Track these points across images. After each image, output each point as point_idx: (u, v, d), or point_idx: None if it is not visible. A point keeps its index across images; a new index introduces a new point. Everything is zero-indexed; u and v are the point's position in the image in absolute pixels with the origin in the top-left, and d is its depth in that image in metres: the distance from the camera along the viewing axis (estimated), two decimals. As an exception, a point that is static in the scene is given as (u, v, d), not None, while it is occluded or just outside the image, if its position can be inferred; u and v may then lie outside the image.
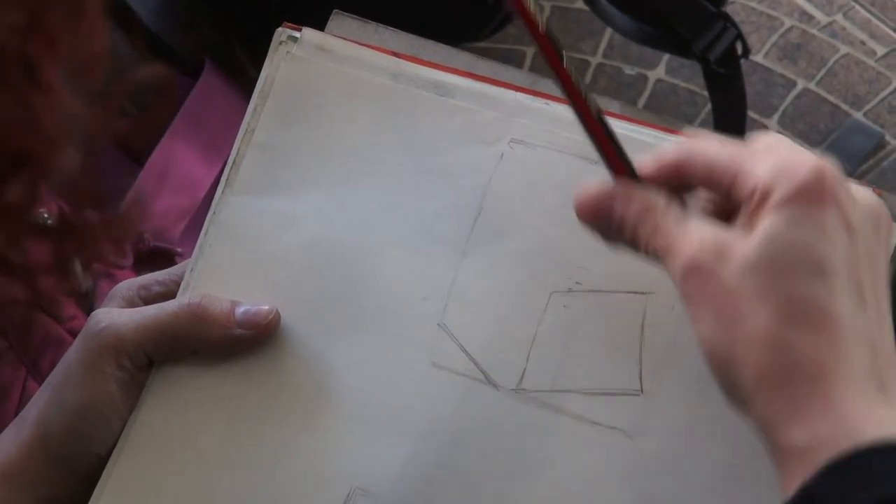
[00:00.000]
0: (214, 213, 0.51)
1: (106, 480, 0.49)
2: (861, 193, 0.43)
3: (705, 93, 1.16)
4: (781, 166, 0.40)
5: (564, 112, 0.50)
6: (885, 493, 0.36)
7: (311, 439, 0.49)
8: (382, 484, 0.48)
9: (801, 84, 1.39)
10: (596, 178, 0.49)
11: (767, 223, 0.40)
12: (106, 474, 0.49)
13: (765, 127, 1.36)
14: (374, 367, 0.49)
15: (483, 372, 0.49)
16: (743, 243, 0.40)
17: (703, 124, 1.36)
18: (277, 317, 0.49)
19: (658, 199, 0.43)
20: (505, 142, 0.51)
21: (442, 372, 0.49)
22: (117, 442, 0.49)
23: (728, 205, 0.43)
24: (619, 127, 0.50)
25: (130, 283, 0.52)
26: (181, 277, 0.51)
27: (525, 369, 0.49)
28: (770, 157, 0.41)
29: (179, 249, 0.75)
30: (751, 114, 1.35)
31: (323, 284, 0.50)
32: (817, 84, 1.40)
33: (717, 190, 0.43)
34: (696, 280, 0.41)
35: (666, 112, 1.36)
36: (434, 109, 0.51)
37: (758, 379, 0.39)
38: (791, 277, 0.39)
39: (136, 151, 0.82)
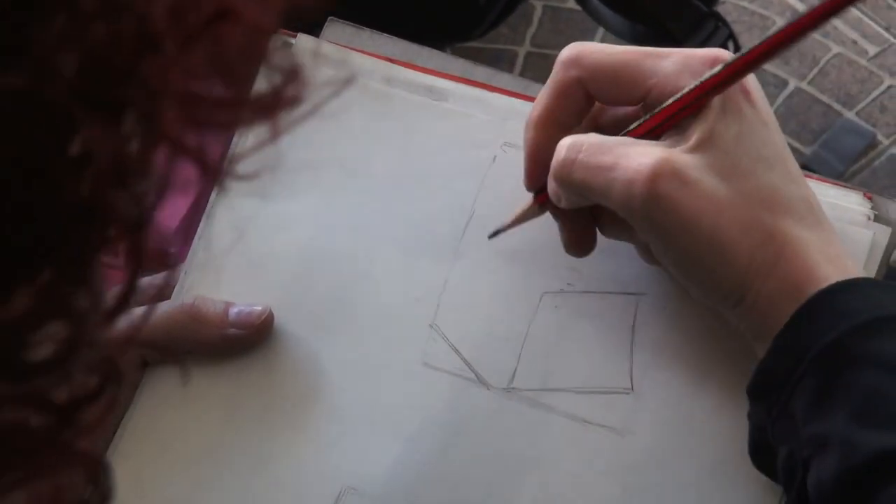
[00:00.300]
0: (208, 216, 0.52)
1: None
2: None
3: (697, 92, 1.17)
4: (684, 61, 0.43)
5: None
6: (850, 321, 0.41)
7: (303, 439, 0.49)
8: (374, 483, 0.49)
9: (792, 83, 1.40)
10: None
11: (706, 130, 0.42)
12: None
13: (757, 126, 1.37)
14: (367, 368, 0.50)
15: (474, 372, 0.50)
16: (694, 159, 0.42)
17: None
18: (271, 317, 0.50)
19: (576, 137, 0.44)
20: (497, 145, 0.51)
21: (434, 372, 0.50)
22: (111, 441, 0.50)
23: (621, 112, 0.45)
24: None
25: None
26: (175, 281, 0.51)
27: (516, 369, 0.49)
28: (670, 55, 0.44)
29: (172, 249, 0.76)
30: (743, 113, 1.36)
31: (316, 286, 0.51)
32: (809, 83, 1.41)
33: (615, 97, 0.45)
34: (663, 207, 0.42)
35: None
36: (427, 113, 0.52)
37: (749, 272, 0.42)
38: (749, 176, 0.42)
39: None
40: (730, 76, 0.42)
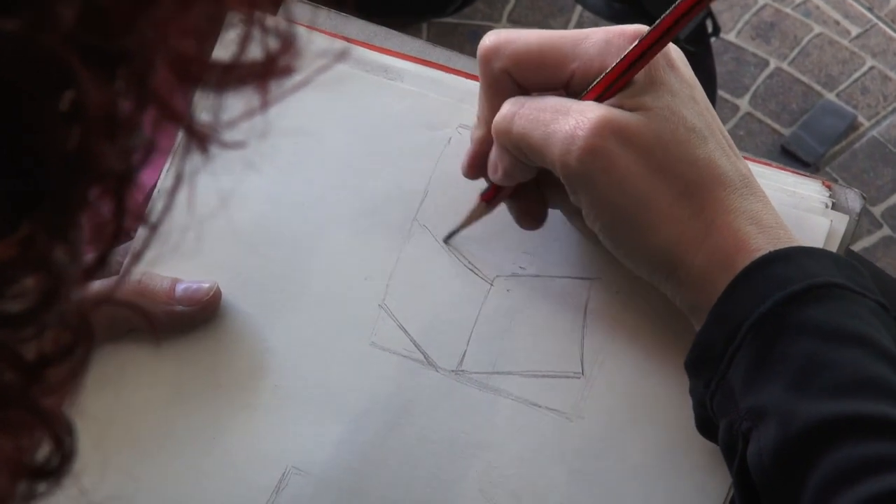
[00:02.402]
0: (159, 191, 0.52)
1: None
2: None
3: (674, 71, 1.17)
4: (606, 40, 0.45)
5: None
6: (784, 290, 0.42)
7: (249, 418, 0.50)
8: (318, 463, 0.50)
9: (773, 63, 1.41)
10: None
11: (637, 102, 0.44)
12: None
13: (736, 106, 1.38)
14: (314, 347, 0.51)
15: (423, 353, 0.51)
16: (636, 120, 0.44)
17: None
18: (218, 294, 0.51)
19: (520, 97, 0.46)
20: (453, 126, 0.53)
21: (381, 352, 0.51)
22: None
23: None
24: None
25: (70, 262, 0.53)
26: (124, 256, 0.52)
27: (465, 351, 0.51)
28: (592, 34, 0.45)
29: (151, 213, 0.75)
30: (722, 93, 1.37)
31: (265, 263, 0.52)
32: (790, 64, 1.42)
33: (540, 83, 0.46)
34: (599, 165, 0.44)
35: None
36: (382, 93, 0.53)
37: (679, 246, 0.44)
38: (683, 145, 0.44)
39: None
40: (648, 47, 0.43)
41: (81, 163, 0.24)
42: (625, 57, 0.44)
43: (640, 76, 0.44)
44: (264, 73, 0.26)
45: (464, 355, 0.51)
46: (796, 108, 1.38)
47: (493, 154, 0.47)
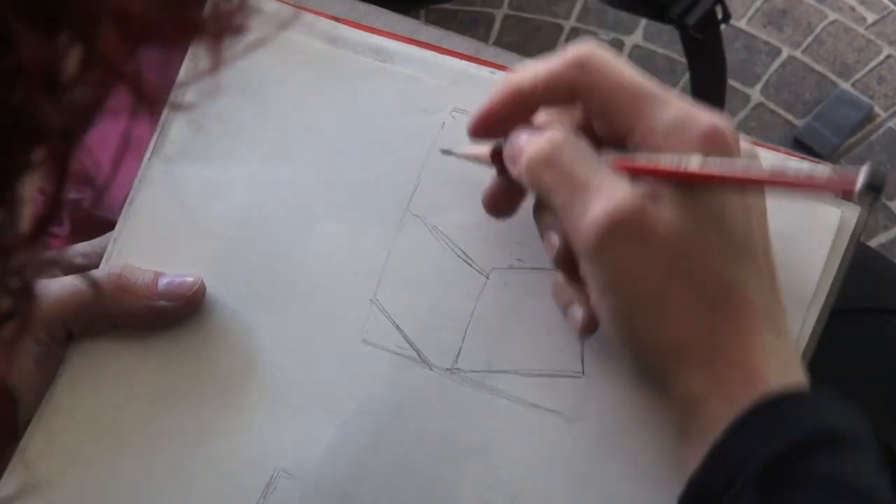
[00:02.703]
0: (140, 180, 0.52)
1: (19, 459, 0.49)
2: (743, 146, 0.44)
3: (685, 60, 1.17)
4: (681, 122, 0.41)
5: (508, 81, 0.51)
6: (794, 436, 0.39)
7: (235, 419, 0.49)
8: (308, 466, 0.49)
9: (786, 52, 1.40)
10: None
11: (685, 200, 0.41)
12: (19, 453, 0.49)
13: (747, 97, 1.37)
14: (303, 344, 0.50)
15: (416, 350, 0.50)
16: (664, 216, 0.41)
17: (681, 93, 1.37)
18: (202, 289, 0.50)
19: (567, 135, 0.43)
20: (446, 111, 0.51)
21: (373, 350, 0.50)
22: (32, 419, 0.50)
23: (605, 133, 0.44)
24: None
25: (51, 255, 0.52)
26: (105, 248, 0.52)
27: (461, 348, 0.49)
28: (670, 106, 0.42)
29: (99, 181, 0.74)
30: (732, 82, 1.36)
31: (252, 256, 0.51)
32: (804, 52, 1.41)
33: (601, 119, 0.43)
34: (616, 247, 0.41)
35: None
36: (373, 76, 0.52)
37: (679, 360, 0.42)
38: (709, 259, 0.41)
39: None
40: (711, 178, 0.40)
41: (20, 120, 0.24)
42: (680, 170, 0.41)
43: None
44: (215, 32, 0.26)
45: (459, 353, 0.50)
46: (810, 98, 1.37)
47: (517, 169, 0.45)
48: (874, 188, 0.34)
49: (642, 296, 0.42)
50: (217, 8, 0.26)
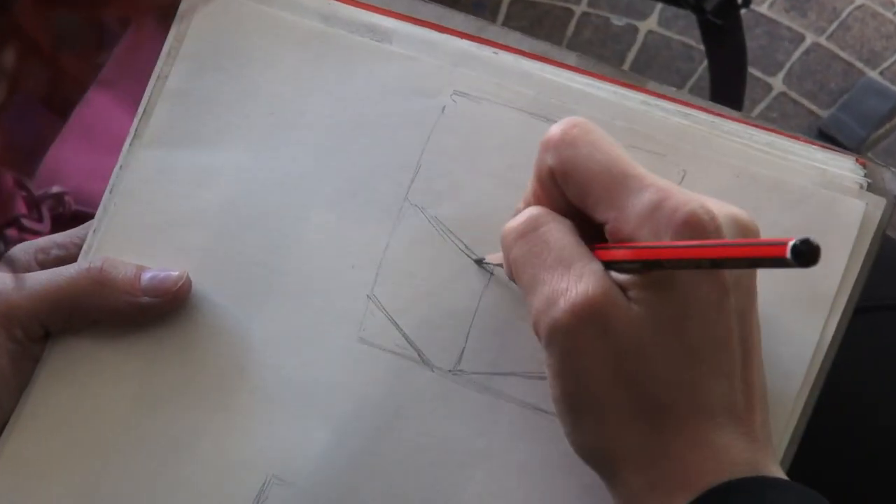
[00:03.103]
0: (121, 167, 0.51)
1: (-6, 465, 0.49)
2: (742, 220, 0.42)
3: (702, 47, 1.16)
4: (652, 213, 0.40)
5: (513, 62, 0.50)
6: None
7: (224, 422, 0.49)
8: (302, 472, 0.48)
9: (810, 38, 1.39)
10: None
11: (647, 296, 0.40)
12: (-6, 458, 0.49)
13: (768, 86, 1.36)
14: (296, 342, 0.49)
15: (417, 350, 0.49)
16: (625, 312, 0.40)
17: (699, 82, 1.36)
18: (188, 284, 0.49)
19: (546, 212, 0.43)
20: (447, 94, 0.51)
21: (371, 349, 0.49)
22: (7, 421, 0.49)
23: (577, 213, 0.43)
24: (576, 81, 0.50)
25: (27, 246, 0.51)
26: (84, 240, 0.51)
27: (464, 348, 0.49)
28: (645, 192, 0.41)
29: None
30: (753, 71, 1.35)
31: (241, 249, 0.50)
32: (828, 38, 1.40)
33: (578, 203, 0.43)
34: (571, 339, 0.41)
35: (658, 68, 1.35)
36: (369, 56, 0.51)
37: (617, 461, 0.42)
38: (660, 361, 0.41)
39: (56, 102, 0.81)
40: (681, 259, 0.39)
41: None
42: (647, 249, 0.40)
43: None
44: (139, 2, 0.25)
45: (462, 353, 0.49)
46: (835, 87, 1.36)
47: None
48: (803, 256, 0.33)
49: (586, 394, 0.42)
50: None
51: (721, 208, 0.41)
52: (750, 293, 0.43)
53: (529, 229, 0.43)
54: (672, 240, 0.40)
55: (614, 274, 0.41)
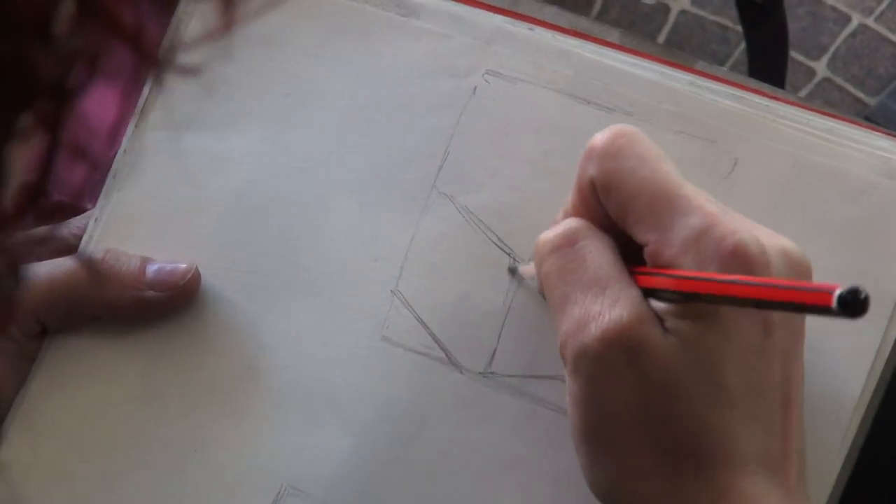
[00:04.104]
0: (125, 151, 0.51)
1: (-11, 472, 0.49)
2: (793, 256, 0.42)
3: (739, 28, 1.16)
4: (697, 239, 0.40)
5: (550, 39, 0.50)
6: None
7: (235, 427, 0.49)
8: (319, 481, 0.48)
9: (856, 19, 1.39)
10: (585, 119, 0.49)
11: (684, 330, 0.40)
12: (-10, 465, 0.49)
13: (811, 71, 1.36)
14: (313, 341, 0.49)
15: (445, 350, 0.49)
16: (659, 344, 0.40)
17: (736, 66, 1.36)
18: (197, 277, 0.49)
19: (585, 226, 0.43)
20: (479, 73, 0.50)
21: (395, 349, 0.49)
22: (2, 424, 0.49)
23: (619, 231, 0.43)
24: (619, 61, 0.50)
25: (23, 238, 0.51)
26: (84, 230, 0.51)
27: (496, 349, 0.49)
28: (693, 215, 0.40)
29: (90, 205, 0.75)
30: (794, 54, 1.35)
31: (254, 240, 0.50)
32: (876, 20, 1.39)
33: (619, 219, 0.43)
34: (599, 366, 0.41)
35: (691, 50, 1.35)
36: (395, 33, 0.51)
37: (634, 500, 0.42)
38: (689, 402, 0.40)
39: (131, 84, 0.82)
40: (725, 296, 0.38)
41: (8, 76, 0.23)
42: (688, 280, 0.40)
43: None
44: None
45: (493, 354, 0.49)
46: (884, 72, 1.36)
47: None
48: (850, 307, 0.33)
49: (608, 427, 0.41)
50: None
51: (772, 240, 0.41)
52: (797, 334, 0.42)
53: (566, 243, 0.43)
54: (717, 270, 0.39)
55: (652, 301, 0.41)
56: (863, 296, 0.33)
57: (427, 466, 0.48)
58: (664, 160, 0.42)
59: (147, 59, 0.25)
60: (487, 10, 0.51)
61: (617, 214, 0.42)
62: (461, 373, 0.49)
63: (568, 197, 0.45)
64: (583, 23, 0.51)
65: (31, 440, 0.49)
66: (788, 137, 0.48)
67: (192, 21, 0.27)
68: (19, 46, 0.23)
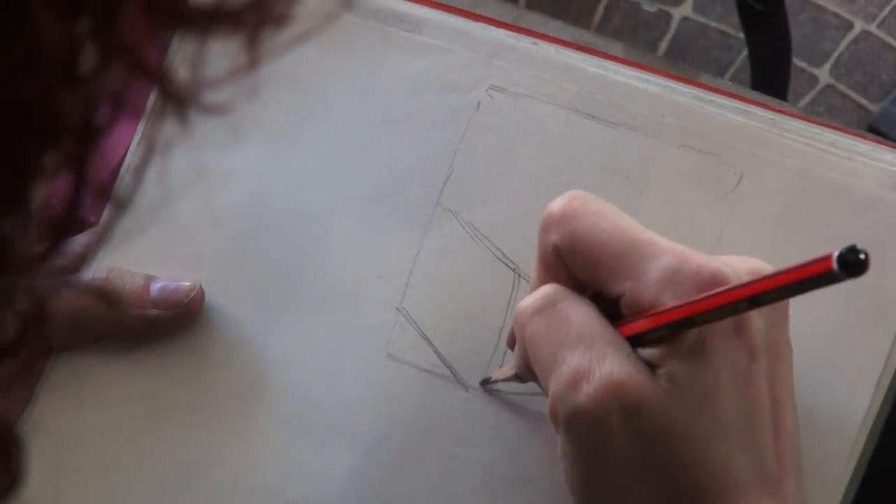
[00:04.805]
0: (128, 167, 0.51)
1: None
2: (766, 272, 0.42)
3: (742, 35, 1.16)
4: (673, 276, 0.40)
5: (554, 54, 0.50)
6: None
7: (240, 444, 0.49)
8: (324, 499, 0.48)
9: (859, 25, 1.39)
10: (590, 134, 0.49)
11: (671, 370, 0.40)
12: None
13: (814, 77, 1.36)
14: (318, 359, 0.49)
15: (450, 367, 0.49)
16: (652, 395, 0.40)
17: (738, 73, 1.36)
18: (201, 295, 0.50)
19: (564, 289, 0.43)
20: (482, 89, 0.51)
21: (400, 366, 0.49)
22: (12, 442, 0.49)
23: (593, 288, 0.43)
24: (623, 75, 0.50)
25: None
26: (88, 248, 0.51)
27: (501, 366, 0.49)
28: (662, 256, 0.41)
29: (94, 218, 0.75)
30: (797, 61, 1.35)
31: (258, 257, 0.50)
32: (879, 26, 1.39)
33: (590, 281, 0.43)
34: (594, 426, 0.40)
35: (693, 58, 1.35)
36: (399, 48, 0.51)
37: None
38: (688, 443, 0.40)
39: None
40: (711, 309, 0.39)
41: (35, 115, 0.24)
42: (677, 309, 0.40)
43: (691, 335, 0.40)
44: (254, 22, 0.25)
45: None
46: (887, 79, 1.36)
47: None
48: (852, 266, 0.33)
49: (609, 484, 0.41)
50: None
51: (742, 263, 0.41)
52: (781, 353, 0.43)
53: (547, 304, 0.43)
54: None
55: (641, 350, 0.41)
56: (861, 251, 0.33)
57: (432, 484, 0.48)
58: (621, 214, 0.42)
59: (172, 97, 0.25)
60: (491, 24, 0.51)
61: (586, 274, 0.42)
62: (466, 390, 0.49)
63: (532, 276, 0.45)
64: (586, 37, 0.51)
65: (34, 459, 0.49)
66: (794, 151, 0.49)
67: (218, 58, 0.27)
68: (45, 88, 0.23)
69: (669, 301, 0.40)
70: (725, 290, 0.38)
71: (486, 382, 0.48)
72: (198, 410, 0.49)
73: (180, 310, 0.49)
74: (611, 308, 0.42)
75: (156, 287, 0.49)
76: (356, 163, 0.51)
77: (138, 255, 0.50)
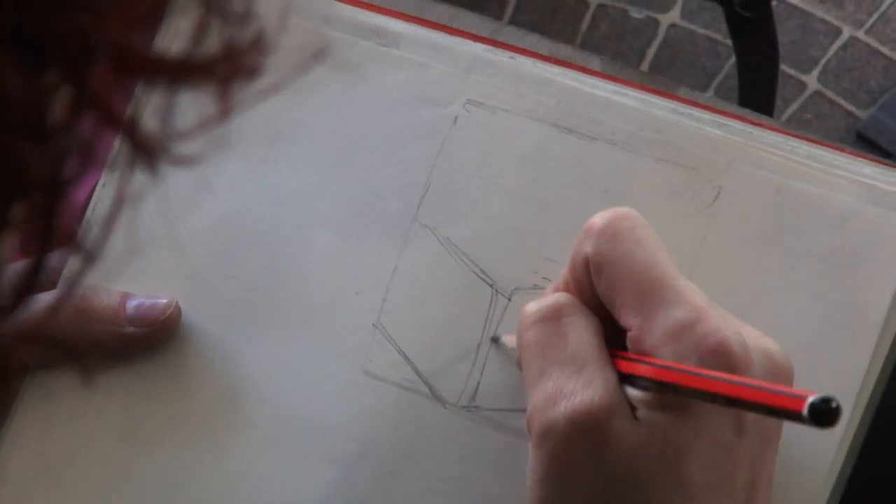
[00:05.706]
0: (104, 185, 0.51)
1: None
2: (776, 358, 0.42)
3: (730, 42, 1.16)
4: (679, 332, 0.40)
5: (531, 68, 0.50)
6: None
7: (217, 462, 0.49)
8: None
9: (847, 32, 1.39)
10: (568, 148, 0.49)
11: (656, 417, 0.40)
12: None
13: (802, 84, 1.36)
14: (295, 376, 0.49)
15: (428, 384, 0.49)
16: (625, 433, 0.40)
17: (726, 80, 1.36)
18: (178, 312, 0.50)
19: (573, 303, 0.43)
20: (459, 103, 0.51)
21: (377, 383, 0.49)
22: (-18, 462, 0.49)
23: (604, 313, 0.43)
24: (601, 88, 0.50)
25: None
26: (63, 265, 0.51)
27: (479, 382, 0.49)
28: (679, 307, 0.41)
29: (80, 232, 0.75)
30: (785, 68, 1.35)
31: (234, 274, 0.50)
32: (867, 32, 1.40)
33: (606, 299, 0.43)
34: (562, 447, 0.41)
35: (681, 65, 1.36)
36: (375, 62, 0.51)
37: None
38: (651, 496, 0.40)
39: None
40: (702, 392, 0.39)
41: (1, 171, 0.24)
42: (664, 370, 0.40)
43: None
44: (225, 73, 0.26)
45: (477, 388, 0.49)
46: (875, 85, 1.36)
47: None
48: (821, 416, 0.34)
49: None
50: (228, 44, 0.25)
51: (757, 341, 0.41)
52: (769, 438, 0.42)
53: (551, 316, 0.43)
54: (696, 365, 0.39)
55: (628, 389, 0.41)
56: (834, 405, 0.33)
57: (410, 501, 0.48)
58: (661, 249, 0.42)
59: (142, 148, 0.25)
60: (468, 38, 0.51)
61: (605, 295, 0.43)
62: (444, 407, 0.49)
63: (559, 275, 0.45)
64: (564, 50, 0.51)
65: (10, 479, 0.49)
66: (772, 164, 0.49)
67: (188, 109, 0.28)
68: (10, 143, 0.23)
69: (667, 356, 0.40)
70: (709, 378, 0.38)
71: (496, 340, 0.49)
72: (174, 428, 0.49)
73: (157, 327, 0.49)
74: (620, 335, 0.42)
75: (132, 304, 0.49)
76: (333, 178, 0.51)
77: (116, 272, 0.50)
